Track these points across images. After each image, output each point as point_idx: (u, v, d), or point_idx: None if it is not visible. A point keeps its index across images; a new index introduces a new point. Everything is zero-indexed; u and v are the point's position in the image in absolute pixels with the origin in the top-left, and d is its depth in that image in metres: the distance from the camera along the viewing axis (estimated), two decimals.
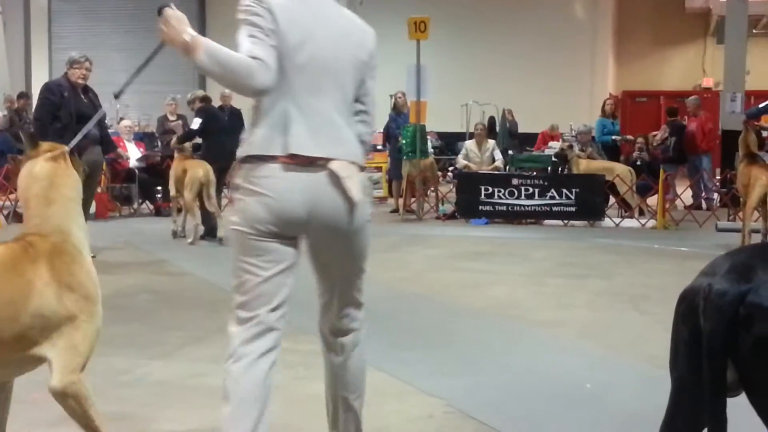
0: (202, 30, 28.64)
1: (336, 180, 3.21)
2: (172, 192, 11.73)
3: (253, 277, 3.26)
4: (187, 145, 11.58)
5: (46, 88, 9.46)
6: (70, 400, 3.10)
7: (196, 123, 11.58)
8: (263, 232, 3.22)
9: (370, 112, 3.50)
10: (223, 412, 3.26)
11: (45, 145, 3.39)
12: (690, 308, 2.61)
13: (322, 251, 3.39)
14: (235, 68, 3.10)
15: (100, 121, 9.88)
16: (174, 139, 12.09)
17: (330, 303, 3.51)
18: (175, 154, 11.73)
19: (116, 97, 3.73)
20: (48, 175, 3.25)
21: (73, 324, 3.09)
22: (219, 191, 11.75)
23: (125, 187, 14.72)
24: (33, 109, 12.14)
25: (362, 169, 3.38)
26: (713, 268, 2.62)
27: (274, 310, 3.33)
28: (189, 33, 3.13)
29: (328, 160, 3.22)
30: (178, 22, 3.15)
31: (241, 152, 3.29)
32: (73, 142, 3.54)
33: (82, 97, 9.47)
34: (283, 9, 3.21)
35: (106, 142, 10.03)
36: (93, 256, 10.14)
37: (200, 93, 12.23)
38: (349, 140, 3.33)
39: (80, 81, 9.43)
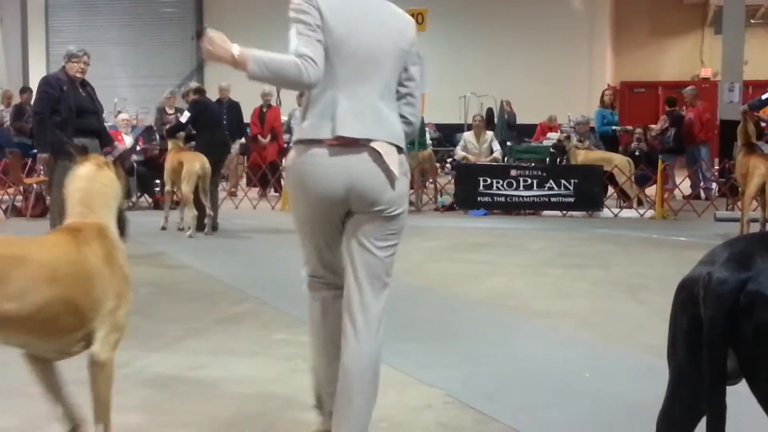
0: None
1: (377, 156, 3.51)
2: (167, 185, 11.70)
3: (305, 248, 3.76)
4: (181, 135, 11.57)
5: (45, 82, 9.41)
6: (105, 372, 3.41)
7: (185, 116, 11.58)
8: (309, 215, 3.62)
9: (415, 95, 3.75)
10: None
11: (93, 155, 3.80)
12: (689, 297, 2.61)
13: (358, 225, 3.60)
14: (284, 70, 3.40)
15: (99, 115, 9.87)
16: (165, 131, 12.12)
17: (357, 281, 3.61)
18: (169, 146, 11.71)
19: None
20: (93, 176, 3.63)
21: (117, 303, 3.50)
22: (215, 183, 11.72)
23: None
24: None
25: (401, 150, 3.61)
26: (712, 257, 2.62)
27: (328, 273, 3.75)
28: (236, 48, 3.39)
29: (370, 140, 3.51)
30: (223, 41, 3.42)
31: (294, 137, 3.83)
32: (125, 145, 3.69)
33: (80, 91, 9.45)
34: (329, 6, 3.51)
35: (104, 136, 10.05)
36: None
37: (194, 85, 12.20)
38: (391, 123, 3.61)
39: (78, 75, 9.41)
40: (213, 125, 11.76)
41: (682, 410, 2.70)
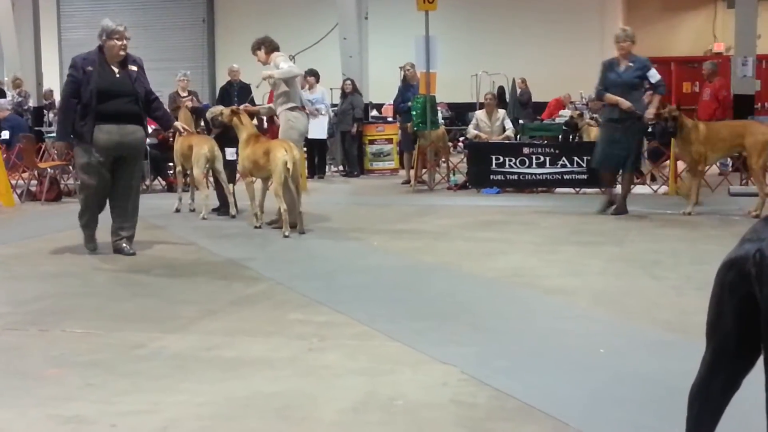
0: (210, 13, 28.65)
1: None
2: (178, 168, 11.88)
3: None
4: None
5: (71, 64, 8.56)
6: None
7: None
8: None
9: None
10: None
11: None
12: (740, 276, 2.57)
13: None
14: (288, 73, 10.06)
15: (137, 97, 8.62)
16: (189, 103, 12.34)
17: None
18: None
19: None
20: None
21: None
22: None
23: None
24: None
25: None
26: (757, 234, 2.58)
27: None
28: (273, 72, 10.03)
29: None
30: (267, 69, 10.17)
31: (289, 105, 10.07)
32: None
33: (115, 70, 8.42)
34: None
35: (162, 118, 9.09)
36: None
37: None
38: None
39: (121, 53, 8.38)
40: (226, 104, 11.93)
41: (722, 385, 2.71)
